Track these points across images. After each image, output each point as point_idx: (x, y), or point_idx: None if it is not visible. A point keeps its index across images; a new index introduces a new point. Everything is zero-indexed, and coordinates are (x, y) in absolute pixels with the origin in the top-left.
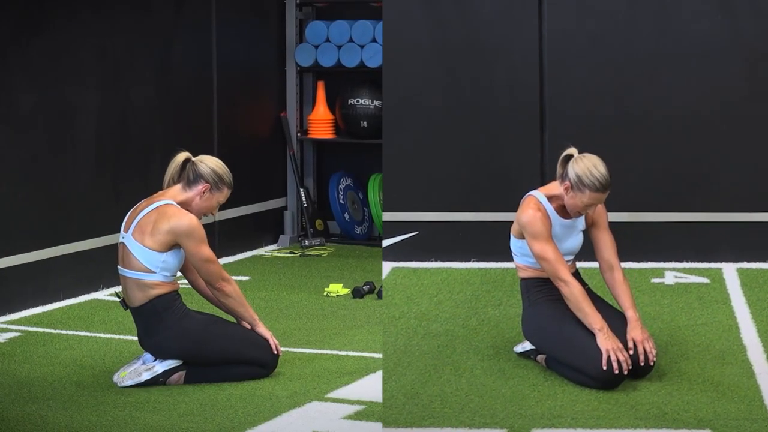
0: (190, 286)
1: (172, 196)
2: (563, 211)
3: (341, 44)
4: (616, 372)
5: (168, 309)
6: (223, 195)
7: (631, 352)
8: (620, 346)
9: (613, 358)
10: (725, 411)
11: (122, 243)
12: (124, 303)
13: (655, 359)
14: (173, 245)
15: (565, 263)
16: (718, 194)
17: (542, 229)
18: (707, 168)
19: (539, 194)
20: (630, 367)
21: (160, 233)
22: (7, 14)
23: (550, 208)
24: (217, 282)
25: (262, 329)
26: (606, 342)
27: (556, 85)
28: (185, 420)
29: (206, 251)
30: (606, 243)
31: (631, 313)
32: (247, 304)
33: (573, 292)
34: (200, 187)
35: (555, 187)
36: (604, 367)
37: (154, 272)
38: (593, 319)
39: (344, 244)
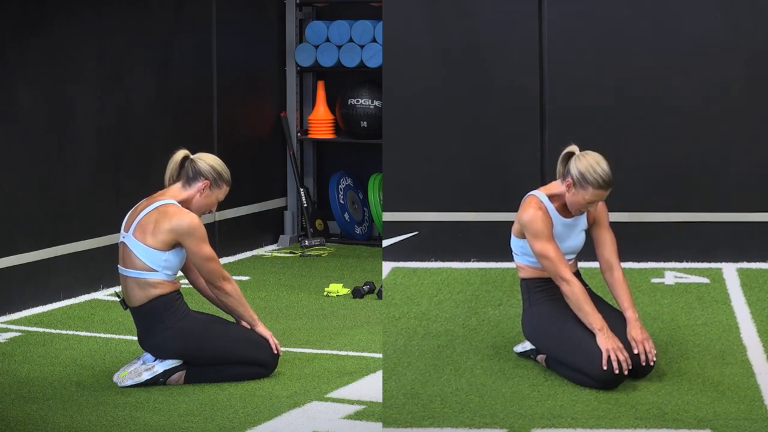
0: (191, 285)
1: (172, 195)
2: (564, 210)
3: (341, 44)
4: (617, 372)
5: (169, 309)
6: (222, 192)
7: (636, 352)
8: (620, 345)
9: (613, 357)
10: (725, 411)
11: (123, 243)
12: (124, 303)
13: (655, 359)
14: (175, 244)
15: (566, 262)
16: (718, 194)
17: (543, 228)
18: (707, 168)
19: (540, 194)
20: (630, 367)
21: (161, 232)
22: (6, 14)
23: (551, 207)
24: (218, 281)
25: (262, 329)
26: (606, 342)
27: (555, 85)
28: (185, 420)
29: (207, 250)
30: (606, 242)
31: (630, 313)
32: (247, 303)
33: (574, 291)
34: (200, 184)
35: (556, 187)
36: (605, 367)
37: (156, 271)
38: (593, 319)
39: (344, 244)
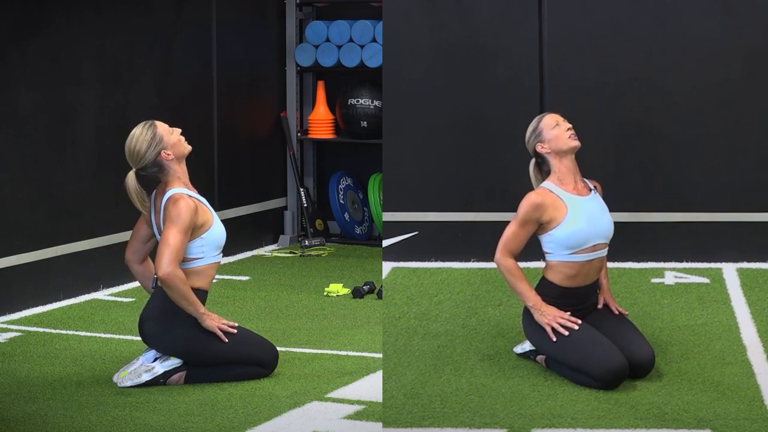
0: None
1: (171, 187)
2: (578, 189)
3: (341, 44)
4: (567, 334)
5: None
6: (166, 133)
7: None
8: (559, 313)
9: (557, 327)
10: (725, 411)
11: None
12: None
13: (626, 313)
14: (194, 229)
15: (509, 252)
16: (718, 194)
17: (522, 212)
18: (707, 168)
19: (547, 183)
20: (578, 325)
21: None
22: (6, 14)
23: (560, 191)
24: (158, 269)
25: (209, 323)
26: (542, 317)
27: (556, 85)
28: (185, 420)
29: (170, 234)
30: None
31: (605, 282)
32: (192, 298)
33: (509, 269)
34: (164, 159)
35: (554, 173)
36: (554, 339)
37: (201, 257)
38: (527, 296)
39: (344, 244)
